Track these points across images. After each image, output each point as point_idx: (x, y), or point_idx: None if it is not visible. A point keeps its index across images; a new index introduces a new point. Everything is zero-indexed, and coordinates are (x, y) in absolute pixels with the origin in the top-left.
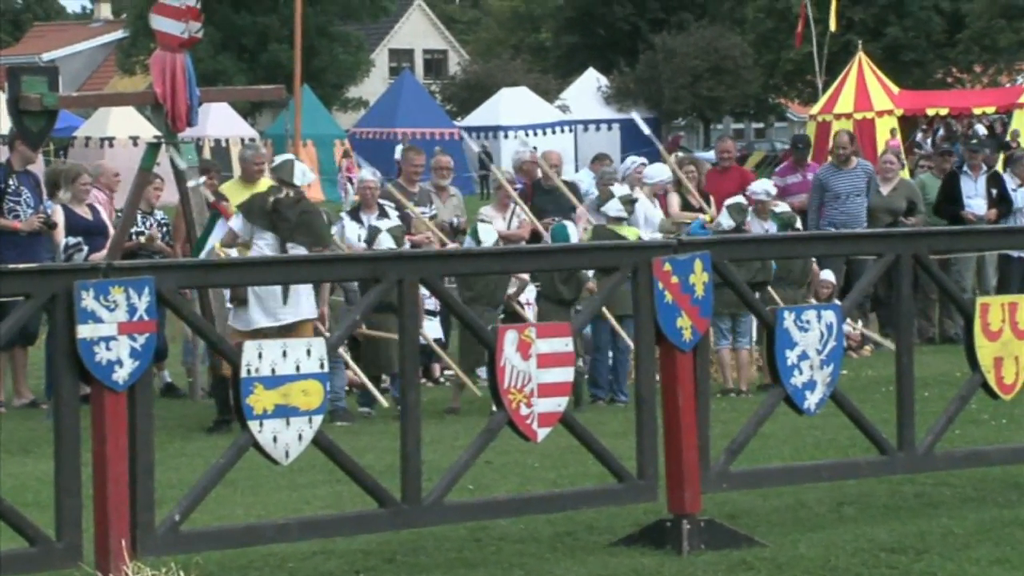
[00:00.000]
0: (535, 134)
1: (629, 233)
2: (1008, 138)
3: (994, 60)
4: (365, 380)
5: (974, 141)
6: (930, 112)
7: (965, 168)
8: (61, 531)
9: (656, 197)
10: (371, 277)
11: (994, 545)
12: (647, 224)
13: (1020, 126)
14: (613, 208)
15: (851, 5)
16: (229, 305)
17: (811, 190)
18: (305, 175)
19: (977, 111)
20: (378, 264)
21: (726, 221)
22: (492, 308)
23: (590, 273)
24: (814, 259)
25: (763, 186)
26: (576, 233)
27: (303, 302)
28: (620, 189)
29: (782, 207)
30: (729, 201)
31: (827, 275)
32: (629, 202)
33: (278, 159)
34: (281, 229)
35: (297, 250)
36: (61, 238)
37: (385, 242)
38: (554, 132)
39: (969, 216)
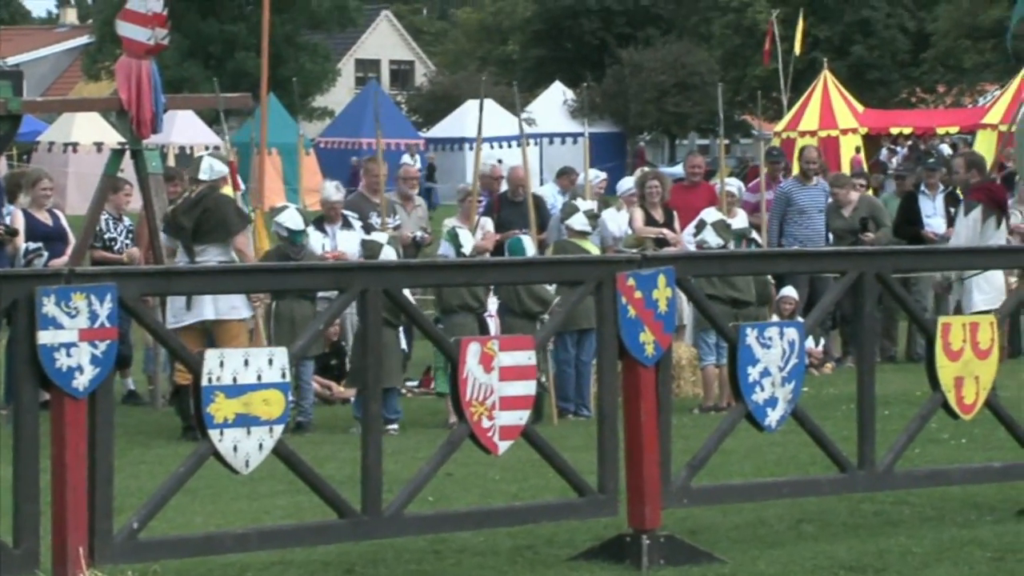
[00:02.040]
0: (500, 146)
1: (591, 248)
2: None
3: (958, 80)
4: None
5: (931, 160)
6: (894, 131)
7: (923, 188)
8: (19, 537)
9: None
10: (335, 288)
11: (952, 565)
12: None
13: (983, 146)
14: (578, 222)
15: (817, 23)
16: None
17: (774, 204)
18: (213, 169)
19: (941, 131)
20: (343, 275)
21: (713, 239)
22: (479, 317)
23: (551, 288)
24: (771, 279)
25: (735, 182)
26: (532, 247)
27: (207, 305)
28: (585, 204)
29: (739, 222)
30: (712, 218)
31: (788, 291)
32: (593, 216)
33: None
34: (181, 237)
35: (208, 252)
36: (21, 243)
37: (389, 254)
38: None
39: (930, 235)
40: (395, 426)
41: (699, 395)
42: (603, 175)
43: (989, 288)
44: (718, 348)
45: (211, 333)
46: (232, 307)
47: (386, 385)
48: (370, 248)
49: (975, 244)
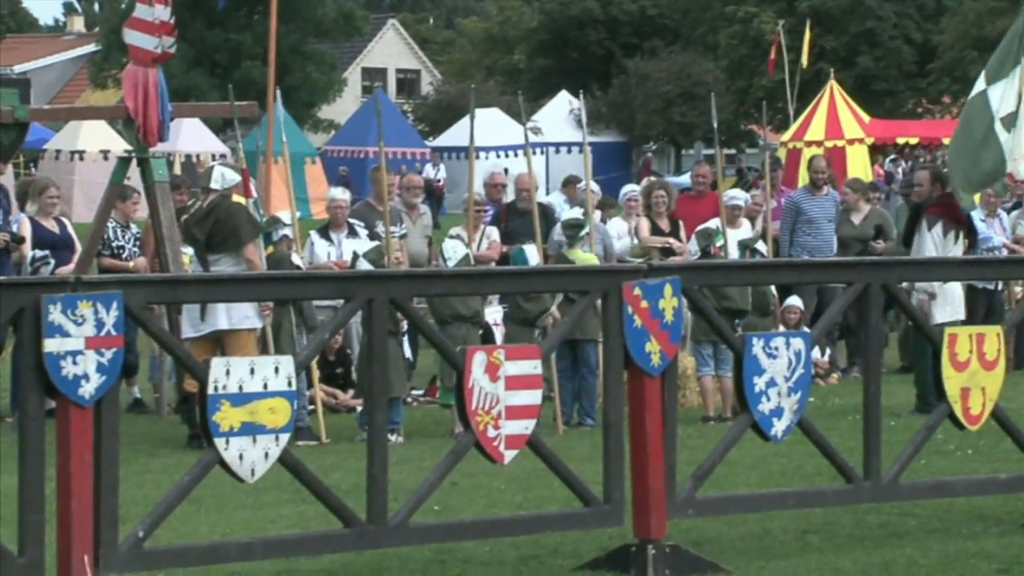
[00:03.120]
0: (506, 155)
1: (578, 257)
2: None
3: (964, 91)
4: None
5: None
6: (900, 141)
7: None
8: (24, 546)
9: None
10: (341, 297)
11: None
12: (620, 242)
13: None
14: (556, 231)
15: (823, 34)
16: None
17: (783, 214)
18: (224, 178)
19: (946, 141)
20: (348, 284)
21: (692, 246)
22: (474, 326)
23: (558, 297)
24: (774, 290)
25: (741, 194)
26: (535, 257)
27: (220, 314)
28: (571, 212)
29: (743, 232)
30: (698, 228)
31: (794, 301)
32: (571, 226)
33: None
34: (194, 247)
35: (221, 262)
36: (28, 251)
37: (363, 267)
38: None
39: None
40: (394, 436)
41: (695, 405)
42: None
43: (947, 302)
44: (716, 358)
45: (221, 342)
46: (244, 316)
47: (390, 395)
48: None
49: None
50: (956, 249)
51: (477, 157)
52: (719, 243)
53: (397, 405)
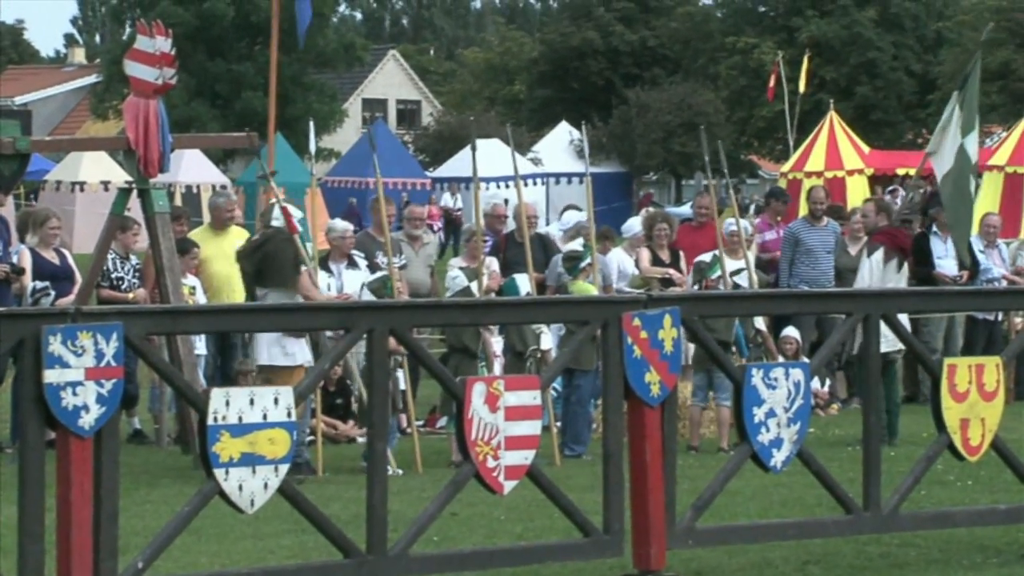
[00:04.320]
0: (507, 186)
1: (579, 288)
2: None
3: None
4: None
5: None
6: (900, 172)
7: (934, 228)
8: None
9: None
10: (341, 327)
11: None
12: (621, 277)
13: (989, 187)
14: (555, 262)
15: (823, 64)
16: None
17: (783, 244)
18: (280, 217)
19: None
20: (349, 314)
21: (692, 279)
22: (470, 358)
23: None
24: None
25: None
26: (526, 286)
27: (295, 345)
28: (572, 244)
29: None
30: (695, 259)
31: (791, 331)
32: (571, 258)
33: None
34: (244, 280)
35: (270, 296)
36: (28, 282)
37: (366, 297)
38: (526, 184)
39: (945, 277)
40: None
41: (704, 435)
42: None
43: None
44: (703, 391)
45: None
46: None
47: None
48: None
49: (877, 285)
50: (899, 277)
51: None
52: (714, 276)
53: (391, 436)
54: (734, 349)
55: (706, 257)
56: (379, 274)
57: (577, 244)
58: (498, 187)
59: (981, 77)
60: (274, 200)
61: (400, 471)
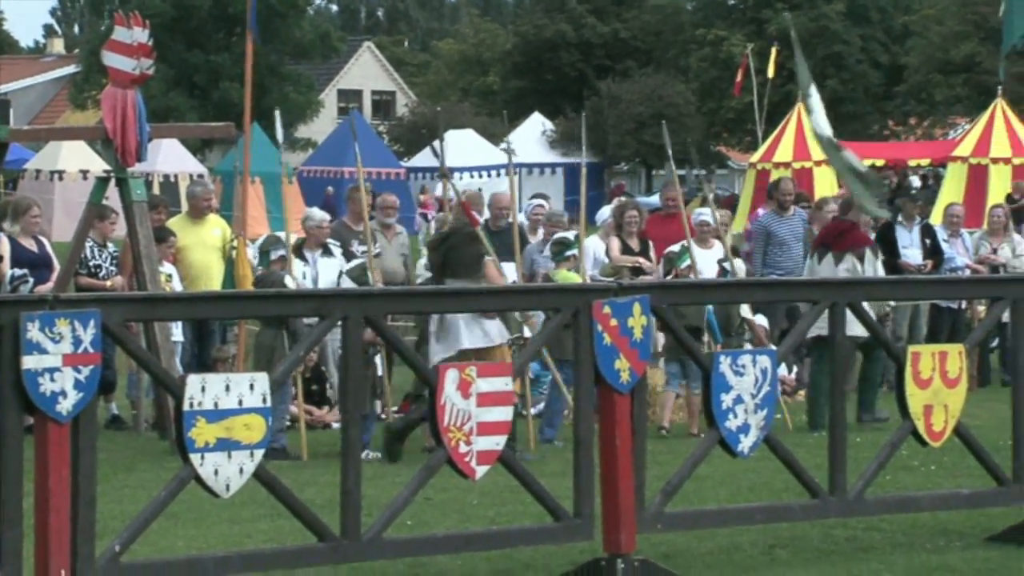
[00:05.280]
0: (480, 176)
1: (561, 277)
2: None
3: (930, 113)
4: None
5: (913, 191)
6: (867, 163)
7: (899, 218)
8: (2, 561)
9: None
10: (316, 314)
11: None
12: (595, 264)
13: (953, 178)
14: (529, 251)
15: (791, 57)
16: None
17: (755, 236)
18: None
19: (912, 163)
20: (323, 301)
21: (662, 269)
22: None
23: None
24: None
25: (706, 210)
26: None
27: (492, 326)
28: (559, 235)
29: (715, 253)
30: (665, 251)
31: (759, 319)
32: (558, 244)
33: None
34: (432, 270)
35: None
36: (7, 270)
37: (345, 284)
38: (499, 175)
39: (910, 266)
40: (368, 453)
41: (675, 421)
42: (539, 202)
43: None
44: (676, 378)
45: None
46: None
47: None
48: (357, 271)
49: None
50: (869, 266)
51: (451, 177)
52: (683, 265)
53: (369, 423)
54: (706, 337)
55: (676, 248)
56: (357, 261)
57: (570, 233)
58: (471, 176)
59: (945, 71)
60: (452, 196)
61: (379, 454)
